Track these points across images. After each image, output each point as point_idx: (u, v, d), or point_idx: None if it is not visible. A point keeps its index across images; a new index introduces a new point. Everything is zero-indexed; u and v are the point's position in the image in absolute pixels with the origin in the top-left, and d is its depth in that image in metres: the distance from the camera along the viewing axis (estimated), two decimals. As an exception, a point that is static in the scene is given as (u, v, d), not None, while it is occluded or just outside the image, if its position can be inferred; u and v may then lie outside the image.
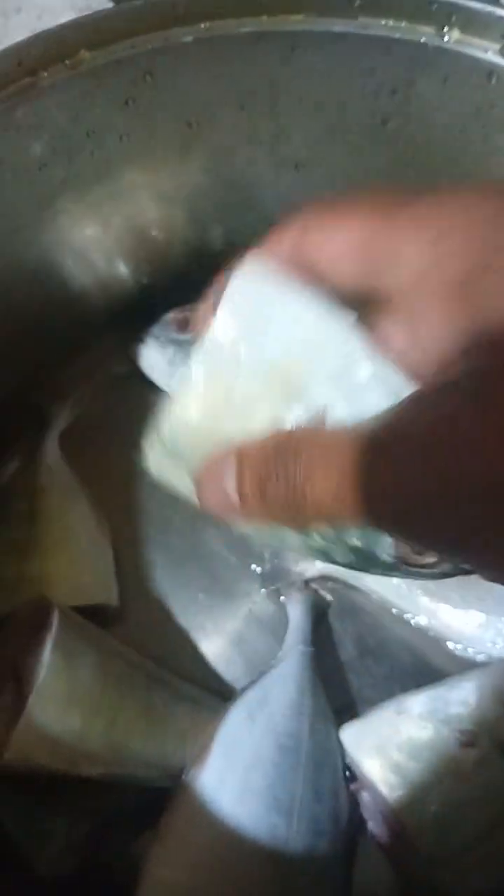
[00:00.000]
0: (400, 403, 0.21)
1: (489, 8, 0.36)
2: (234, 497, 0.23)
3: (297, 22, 0.37)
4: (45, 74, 0.36)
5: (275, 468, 0.22)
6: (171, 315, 0.49)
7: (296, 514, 0.22)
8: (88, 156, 0.40)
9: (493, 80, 0.36)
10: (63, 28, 0.36)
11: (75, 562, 0.45)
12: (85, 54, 0.36)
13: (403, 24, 0.37)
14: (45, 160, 0.39)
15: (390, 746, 0.40)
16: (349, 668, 0.45)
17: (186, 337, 0.48)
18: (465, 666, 0.43)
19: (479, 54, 0.36)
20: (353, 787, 0.41)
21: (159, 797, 0.40)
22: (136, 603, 0.46)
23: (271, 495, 0.22)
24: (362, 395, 0.23)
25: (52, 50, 0.36)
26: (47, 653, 0.37)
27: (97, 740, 0.39)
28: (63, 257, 0.45)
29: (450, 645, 0.44)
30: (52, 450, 0.49)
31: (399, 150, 0.41)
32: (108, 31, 0.36)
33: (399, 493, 0.19)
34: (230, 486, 0.23)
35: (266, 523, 0.23)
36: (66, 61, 0.36)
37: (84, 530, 0.47)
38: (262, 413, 0.23)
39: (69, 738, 0.38)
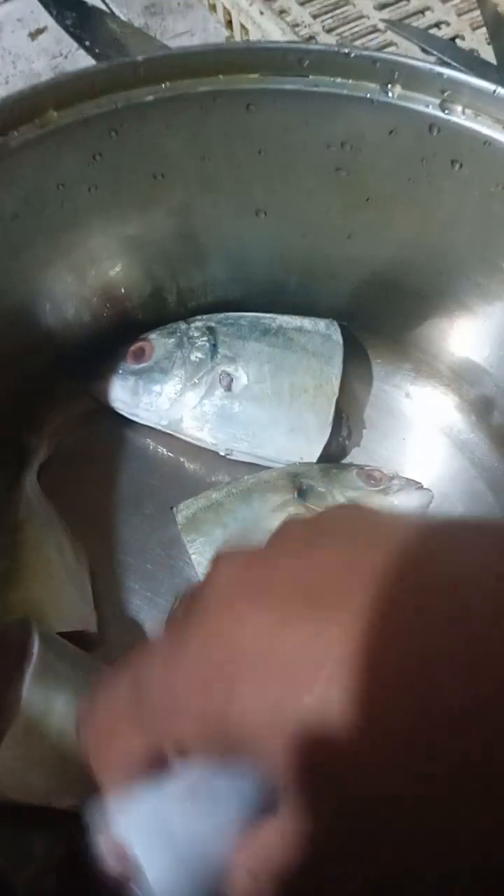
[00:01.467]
0: None
1: (428, 66, 0.39)
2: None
3: (252, 80, 0.40)
4: (16, 133, 0.38)
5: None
6: (128, 348, 0.51)
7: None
8: (59, 207, 0.42)
9: (435, 132, 0.39)
10: (32, 90, 0.38)
11: (55, 591, 0.46)
12: (53, 114, 0.39)
13: (350, 81, 0.39)
14: (18, 212, 0.41)
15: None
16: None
17: (143, 365, 0.51)
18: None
19: (421, 108, 0.39)
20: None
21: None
22: (114, 628, 0.47)
23: None
24: None
25: (23, 111, 0.38)
26: (26, 688, 0.39)
27: (70, 774, 0.40)
28: (36, 302, 0.47)
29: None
30: (30, 483, 0.51)
31: (352, 194, 0.44)
32: (75, 92, 0.39)
33: None
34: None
35: None
36: (36, 120, 0.39)
37: (62, 560, 0.48)
38: None
39: (42, 774, 0.39)
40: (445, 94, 0.38)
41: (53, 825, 0.40)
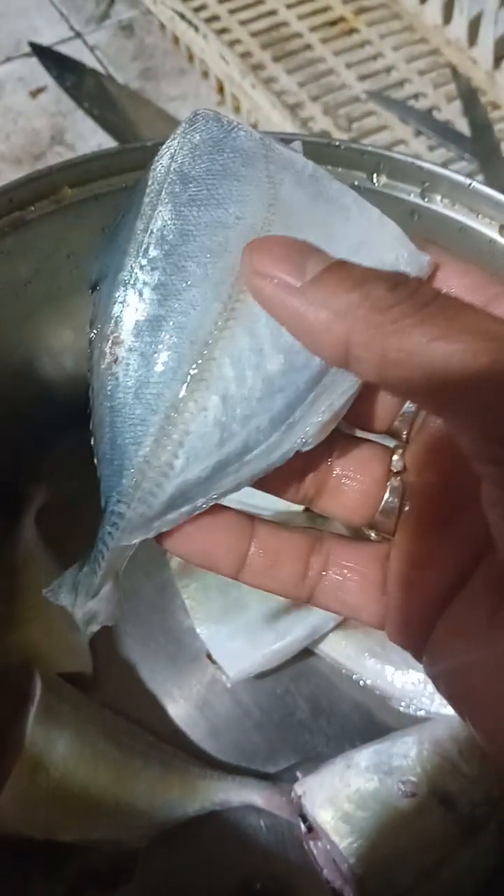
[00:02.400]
0: None
1: (410, 159, 0.43)
2: (307, 275, 0.20)
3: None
4: (32, 209, 0.42)
5: (402, 282, 0.20)
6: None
7: (378, 341, 0.19)
8: (68, 274, 0.45)
9: (416, 217, 0.43)
10: (50, 170, 0.42)
11: (53, 633, 0.49)
12: (68, 191, 0.42)
13: (340, 169, 0.43)
14: (30, 278, 0.44)
15: (341, 798, 0.44)
16: (304, 727, 0.49)
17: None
18: (407, 722, 0.48)
19: (404, 196, 0.43)
20: (308, 837, 0.45)
21: (133, 855, 0.44)
22: (108, 670, 0.50)
23: (373, 299, 0.19)
24: None
25: (40, 188, 0.41)
26: (29, 728, 0.41)
27: (72, 808, 0.42)
28: (38, 356, 0.50)
29: (394, 703, 0.49)
30: (28, 528, 0.53)
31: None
32: (89, 172, 0.42)
33: None
34: (313, 266, 0.20)
35: (305, 325, 0.20)
36: (52, 197, 0.42)
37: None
38: None
39: (46, 808, 0.41)
40: (425, 185, 0.42)
41: (53, 860, 0.42)
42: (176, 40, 0.76)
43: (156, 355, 0.23)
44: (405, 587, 0.24)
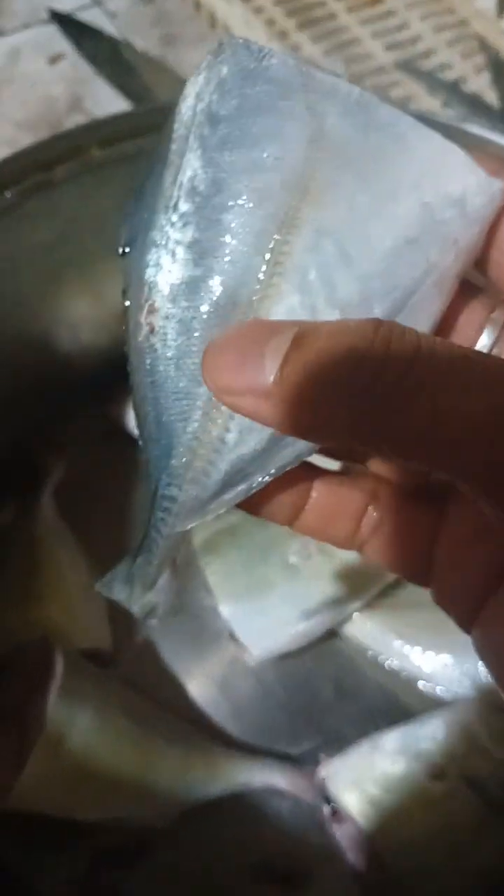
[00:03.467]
0: None
1: (442, 119, 0.41)
2: (269, 377, 0.17)
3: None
4: (59, 171, 0.40)
5: (368, 352, 0.17)
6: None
7: (362, 432, 0.17)
8: (94, 238, 0.44)
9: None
10: (78, 129, 0.40)
11: (71, 609, 0.48)
12: (96, 151, 0.41)
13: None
14: (54, 243, 0.43)
15: (366, 781, 0.43)
16: (328, 709, 0.48)
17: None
18: (434, 704, 0.47)
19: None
20: (332, 820, 0.44)
21: (154, 834, 0.43)
22: (128, 647, 0.49)
23: (338, 399, 0.17)
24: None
25: (67, 149, 0.40)
26: (51, 705, 0.40)
27: (94, 787, 0.41)
28: (57, 327, 0.49)
29: (420, 685, 0.48)
30: (47, 502, 0.52)
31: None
32: (117, 133, 0.41)
33: None
34: (271, 364, 0.18)
35: (298, 428, 0.18)
36: (79, 158, 0.40)
37: (77, 578, 0.49)
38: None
39: (67, 786, 0.40)
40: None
41: (76, 838, 0.41)
42: (198, 6, 0.74)
43: (195, 321, 0.21)
44: (459, 555, 0.23)
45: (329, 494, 0.24)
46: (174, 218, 0.21)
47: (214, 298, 0.21)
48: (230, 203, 0.21)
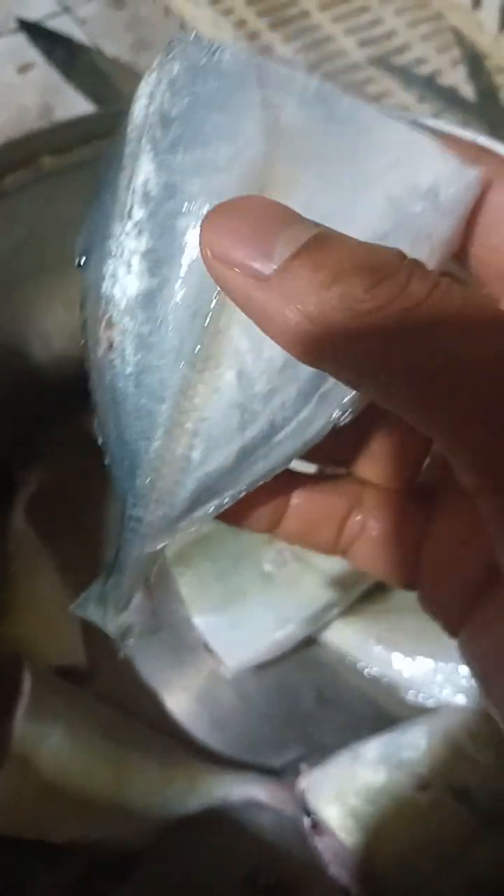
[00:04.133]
0: None
1: (414, 115, 0.40)
2: (274, 264, 0.16)
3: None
4: (10, 179, 0.39)
5: (390, 275, 0.16)
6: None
7: (359, 351, 0.16)
8: (55, 246, 0.43)
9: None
10: (27, 137, 0.39)
11: (45, 624, 0.47)
12: (46, 160, 0.40)
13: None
14: (14, 252, 0.42)
15: (348, 793, 0.42)
16: (309, 718, 0.47)
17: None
18: (417, 711, 0.46)
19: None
20: (313, 833, 0.43)
21: (134, 853, 0.42)
22: (104, 662, 0.48)
23: (348, 300, 0.16)
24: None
25: (17, 157, 0.39)
26: (18, 725, 0.39)
27: (67, 807, 0.40)
28: (26, 337, 0.48)
29: (402, 692, 0.47)
30: (19, 515, 0.51)
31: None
32: (68, 139, 0.40)
33: None
34: (281, 251, 0.16)
35: (278, 327, 0.17)
36: (31, 166, 0.40)
37: (51, 593, 0.49)
38: None
39: (39, 808, 0.39)
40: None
41: (58, 854, 0.40)
42: (167, 11, 0.73)
43: (153, 335, 0.20)
44: (447, 558, 0.22)
45: (310, 500, 0.23)
46: (129, 226, 0.20)
47: (172, 310, 0.20)
48: (184, 207, 0.20)
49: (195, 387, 0.20)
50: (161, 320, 0.20)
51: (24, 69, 0.71)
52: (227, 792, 0.44)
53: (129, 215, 0.20)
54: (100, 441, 0.22)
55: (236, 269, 0.17)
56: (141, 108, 0.20)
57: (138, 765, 0.43)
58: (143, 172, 0.20)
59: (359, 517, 0.24)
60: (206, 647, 0.46)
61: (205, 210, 0.19)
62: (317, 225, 0.17)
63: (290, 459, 0.21)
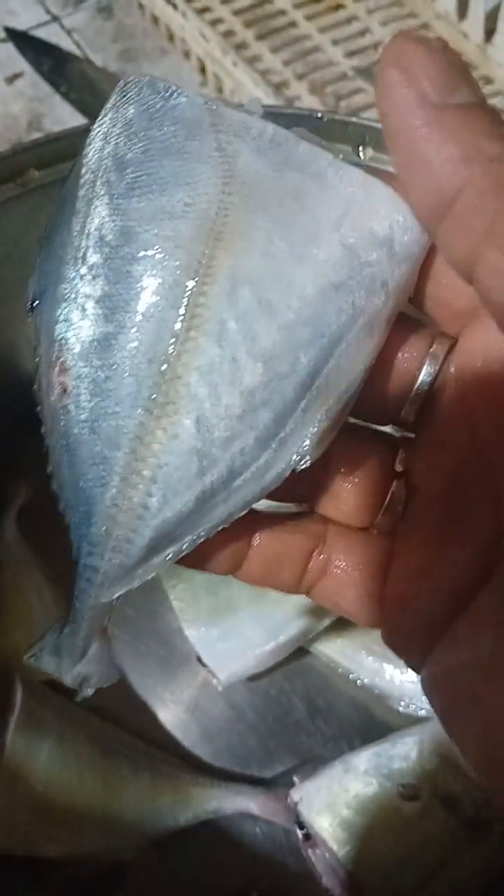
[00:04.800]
0: None
1: (397, 129, 0.40)
2: (451, 99, 0.17)
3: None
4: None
5: None
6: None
7: None
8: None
9: (404, 192, 0.41)
10: (14, 151, 0.39)
11: (34, 636, 0.47)
12: (34, 173, 0.40)
13: (323, 143, 0.41)
14: (2, 262, 0.42)
15: (339, 804, 0.42)
16: (301, 729, 0.47)
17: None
18: (409, 721, 0.46)
19: (390, 169, 0.41)
20: (305, 845, 0.43)
21: (123, 867, 0.42)
22: (94, 674, 0.48)
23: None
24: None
25: (4, 171, 0.39)
26: (9, 737, 0.39)
27: (57, 820, 0.40)
28: (18, 349, 0.48)
29: (393, 702, 0.47)
30: (10, 527, 0.51)
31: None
32: (56, 153, 0.40)
33: None
34: (468, 90, 0.17)
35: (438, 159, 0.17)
36: (18, 179, 0.40)
37: (41, 605, 0.49)
38: None
39: (28, 820, 0.39)
40: (414, 156, 0.40)
41: (46, 870, 0.40)
42: (155, 20, 0.74)
43: (109, 381, 0.20)
44: (408, 592, 0.22)
45: (272, 541, 0.23)
46: (83, 270, 0.20)
47: (128, 356, 0.20)
48: (140, 254, 0.19)
49: (153, 433, 0.20)
50: (117, 366, 0.20)
51: (12, 79, 0.71)
52: (219, 804, 0.44)
53: (84, 259, 0.20)
54: (53, 486, 0.22)
55: (412, 88, 0.17)
56: (95, 150, 0.20)
57: (129, 777, 0.43)
58: (97, 216, 0.20)
59: (322, 555, 0.23)
60: (198, 660, 0.46)
61: (161, 257, 0.19)
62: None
63: (249, 504, 0.21)
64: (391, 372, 0.22)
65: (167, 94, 0.20)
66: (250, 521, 0.23)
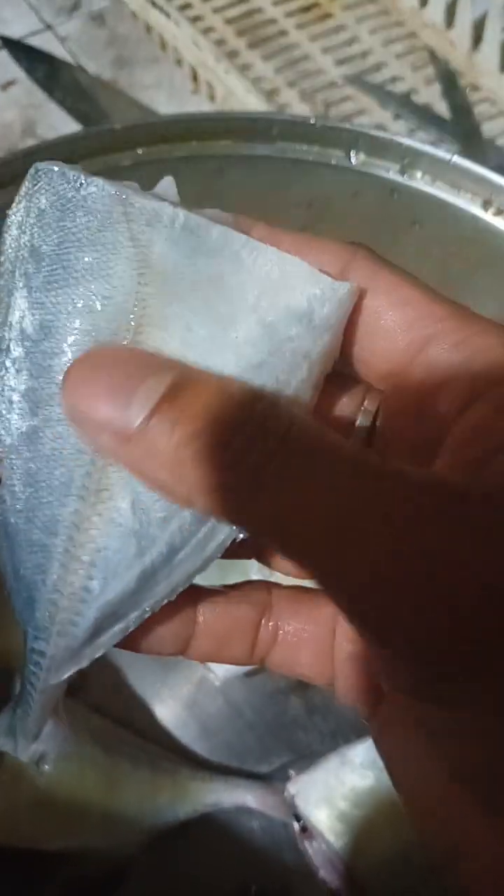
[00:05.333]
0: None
1: (389, 135, 0.41)
2: (134, 422, 0.16)
3: (223, 147, 0.42)
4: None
5: (242, 426, 0.16)
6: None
7: (223, 507, 0.16)
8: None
9: (395, 196, 0.42)
10: (13, 155, 0.40)
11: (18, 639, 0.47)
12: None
13: (316, 148, 0.42)
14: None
15: (336, 797, 0.43)
16: (297, 724, 0.48)
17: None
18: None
19: (383, 173, 0.42)
20: (302, 837, 0.43)
21: (124, 862, 0.42)
22: (94, 673, 0.48)
23: (204, 469, 0.16)
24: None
25: (3, 175, 0.40)
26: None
27: (59, 815, 0.41)
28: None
29: (388, 696, 0.47)
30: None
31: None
32: (56, 157, 0.41)
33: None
34: (137, 408, 0.17)
35: (153, 482, 0.18)
36: (9, 188, 0.40)
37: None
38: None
39: (31, 816, 0.40)
40: (405, 161, 0.41)
41: (46, 868, 0.41)
42: (148, 28, 0.75)
43: (41, 472, 0.20)
44: (353, 654, 0.22)
45: (217, 616, 0.23)
46: (7, 363, 0.20)
47: (58, 448, 0.20)
48: (60, 349, 0.20)
49: (90, 519, 0.20)
50: (47, 458, 0.20)
51: (6, 86, 0.72)
52: (218, 799, 0.44)
53: (8, 351, 0.20)
54: None
55: (102, 430, 0.17)
56: (13, 238, 0.20)
57: (129, 773, 0.43)
58: (18, 309, 0.20)
59: (270, 623, 0.23)
60: (195, 656, 0.47)
61: (80, 351, 0.19)
62: (173, 367, 0.17)
63: (193, 576, 0.21)
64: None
65: (77, 183, 0.20)
66: (192, 598, 0.22)
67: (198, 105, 0.71)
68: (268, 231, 0.21)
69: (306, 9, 0.75)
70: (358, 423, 0.22)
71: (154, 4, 0.71)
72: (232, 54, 0.70)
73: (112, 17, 0.77)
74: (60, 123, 0.69)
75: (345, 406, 0.22)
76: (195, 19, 0.71)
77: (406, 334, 0.20)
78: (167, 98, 0.71)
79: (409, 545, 0.15)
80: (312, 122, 0.41)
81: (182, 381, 0.17)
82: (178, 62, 0.73)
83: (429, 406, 0.19)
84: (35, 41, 0.75)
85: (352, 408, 0.22)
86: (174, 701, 0.48)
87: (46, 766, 0.24)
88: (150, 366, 0.17)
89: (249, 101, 0.66)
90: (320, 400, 0.21)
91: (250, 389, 0.17)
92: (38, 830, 0.40)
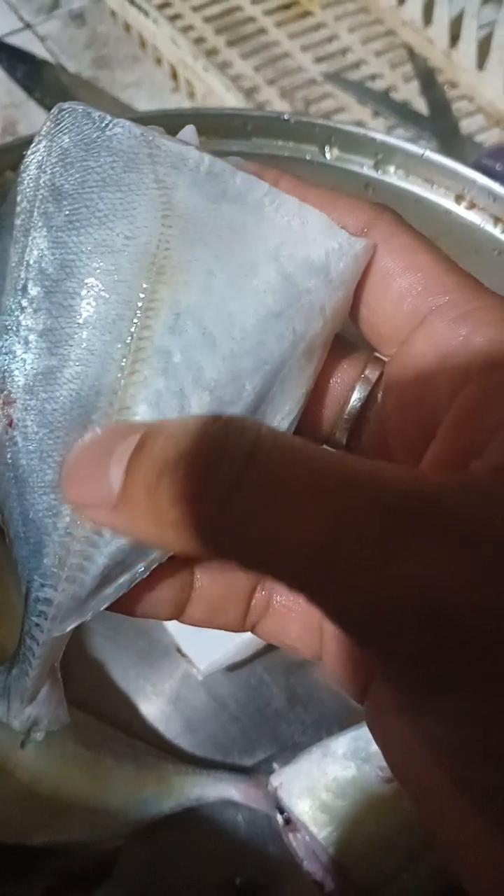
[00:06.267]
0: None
1: (363, 131, 0.42)
2: (115, 488, 0.17)
3: (199, 143, 0.42)
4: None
5: (201, 467, 0.16)
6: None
7: (205, 542, 0.16)
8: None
9: (370, 191, 0.42)
10: (-10, 153, 0.40)
11: (15, 632, 0.47)
12: (9, 174, 0.41)
13: (291, 143, 0.42)
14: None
15: (318, 787, 0.43)
16: (281, 717, 0.48)
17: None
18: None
19: (357, 169, 0.42)
20: (286, 829, 0.44)
21: (111, 855, 0.42)
22: (77, 668, 0.48)
23: (179, 506, 0.16)
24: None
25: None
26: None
27: (43, 810, 0.41)
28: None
29: (370, 688, 0.48)
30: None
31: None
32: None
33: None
34: (115, 473, 0.17)
35: (149, 539, 0.18)
36: (-6, 182, 0.41)
37: (22, 602, 0.49)
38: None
39: (15, 811, 0.40)
40: (379, 157, 0.41)
41: (31, 862, 0.41)
42: (127, 27, 0.75)
43: (57, 412, 0.20)
44: (337, 639, 0.22)
45: (214, 582, 0.23)
46: (24, 302, 0.20)
47: (75, 388, 0.20)
48: (82, 288, 0.20)
49: None
50: (64, 398, 0.20)
51: (-15, 86, 0.72)
52: (201, 792, 0.44)
53: (25, 291, 0.20)
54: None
55: (97, 509, 0.17)
56: (31, 178, 0.20)
57: (113, 768, 0.43)
58: (36, 248, 0.20)
59: (263, 592, 0.23)
60: (178, 651, 0.47)
61: (103, 291, 0.19)
62: (142, 427, 0.17)
63: None
64: (325, 395, 0.23)
65: (103, 123, 0.20)
66: (190, 563, 0.22)
67: (178, 103, 0.71)
68: (294, 183, 0.21)
69: (286, 7, 0.76)
70: (356, 392, 0.22)
71: (133, 3, 0.71)
72: (211, 52, 0.70)
73: (92, 15, 0.77)
74: (40, 122, 0.69)
75: (345, 372, 0.22)
76: (174, 17, 0.71)
77: (413, 301, 0.20)
78: (147, 96, 0.72)
79: (388, 567, 0.15)
80: (286, 118, 0.41)
81: (146, 434, 0.17)
82: (158, 61, 0.73)
83: (428, 384, 0.19)
84: (15, 40, 0.75)
85: (352, 374, 0.22)
86: (157, 696, 0.48)
87: (38, 735, 0.23)
88: (121, 433, 0.17)
89: (229, 99, 0.66)
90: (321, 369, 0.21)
91: (206, 417, 0.16)
92: (22, 825, 0.40)
